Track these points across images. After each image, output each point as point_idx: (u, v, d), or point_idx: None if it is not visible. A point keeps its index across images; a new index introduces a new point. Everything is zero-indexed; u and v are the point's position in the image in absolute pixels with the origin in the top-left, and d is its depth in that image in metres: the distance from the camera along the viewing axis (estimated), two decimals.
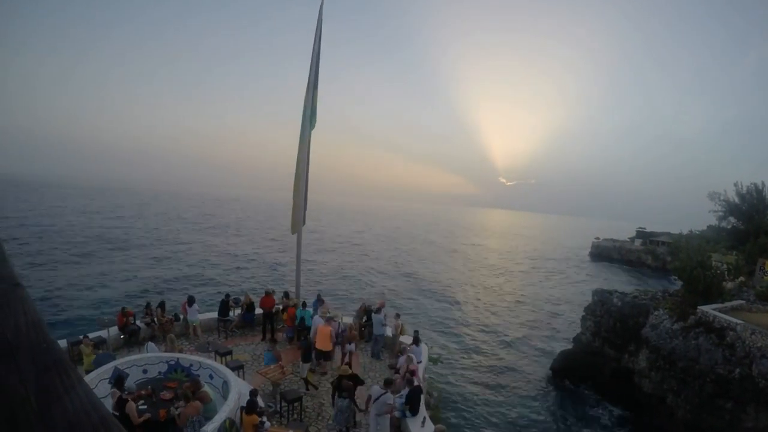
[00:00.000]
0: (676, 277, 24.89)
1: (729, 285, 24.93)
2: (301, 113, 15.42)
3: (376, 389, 9.58)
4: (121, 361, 10.53)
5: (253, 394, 9.24)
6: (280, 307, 16.19)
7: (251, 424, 8.48)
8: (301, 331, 15.05)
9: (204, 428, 7.93)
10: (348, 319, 16.64)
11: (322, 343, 12.82)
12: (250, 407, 8.68)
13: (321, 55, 15.15)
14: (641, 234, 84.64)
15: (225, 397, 9.52)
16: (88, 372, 10.35)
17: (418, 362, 12.57)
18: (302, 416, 10.62)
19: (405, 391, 10.41)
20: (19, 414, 0.49)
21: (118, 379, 9.21)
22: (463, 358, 25.29)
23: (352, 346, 13.36)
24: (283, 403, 10.62)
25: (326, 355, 13.11)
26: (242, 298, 16.68)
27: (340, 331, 13.84)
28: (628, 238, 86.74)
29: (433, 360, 17.34)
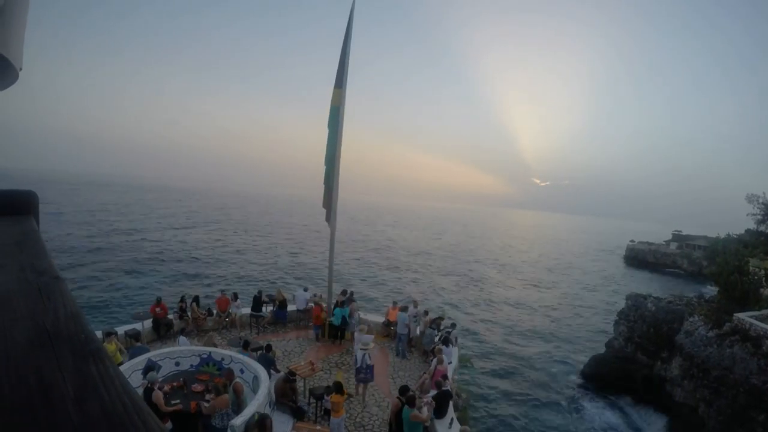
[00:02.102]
0: (713, 283, 23.94)
1: (767, 292, 23.79)
2: (328, 112, 15.45)
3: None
4: (154, 353, 10.79)
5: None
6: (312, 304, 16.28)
7: (340, 403, 9.34)
8: (337, 329, 15.11)
9: (232, 421, 8.07)
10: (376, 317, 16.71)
11: None
12: (338, 389, 9.58)
13: (351, 53, 15.17)
14: (677, 237, 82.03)
15: (255, 391, 9.67)
16: (120, 363, 10.70)
17: (448, 363, 12.48)
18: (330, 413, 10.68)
19: (432, 393, 10.33)
20: (56, 400, 0.51)
21: (149, 370, 9.52)
22: (493, 359, 25.00)
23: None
24: (312, 400, 10.72)
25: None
26: (275, 294, 16.89)
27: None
28: (664, 241, 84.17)
29: (463, 361, 17.22)
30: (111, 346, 11.64)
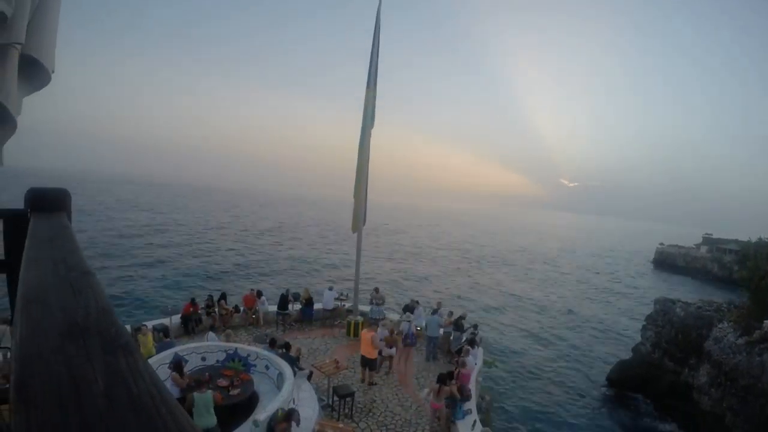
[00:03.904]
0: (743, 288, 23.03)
1: None
2: (361, 113, 15.54)
3: None
4: (181, 348, 11.03)
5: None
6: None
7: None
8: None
9: (256, 417, 8.19)
10: (393, 316, 16.77)
11: (365, 348, 12.27)
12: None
13: (380, 54, 15.25)
14: (708, 240, 79.66)
15: (279, 388, 9.80)
16: (149, 357, 10.98)
17: (474, 364, 12.43)
18: (353, 412, 10.74)
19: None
20: (86, 391, 0.51)
21: (176, 364, 9.77)
22: (517, 361, 24.69)
23: (393, 350, 13.18)
24: (335, 398, 10.79)
25: (370, 364, 12.37)
26: (301, 293, 17.08)
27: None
28: (694, 244, 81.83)
29: (488, 363, 17.10)
30: (148, 339, 12.00)
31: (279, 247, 55.98)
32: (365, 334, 12.47)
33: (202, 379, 9.96)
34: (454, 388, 10.28)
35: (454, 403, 10.20)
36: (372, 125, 15.38)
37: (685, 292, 48.01)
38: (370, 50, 15.11)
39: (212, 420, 8.16)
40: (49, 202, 1.85)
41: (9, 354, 10.43)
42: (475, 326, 15.44)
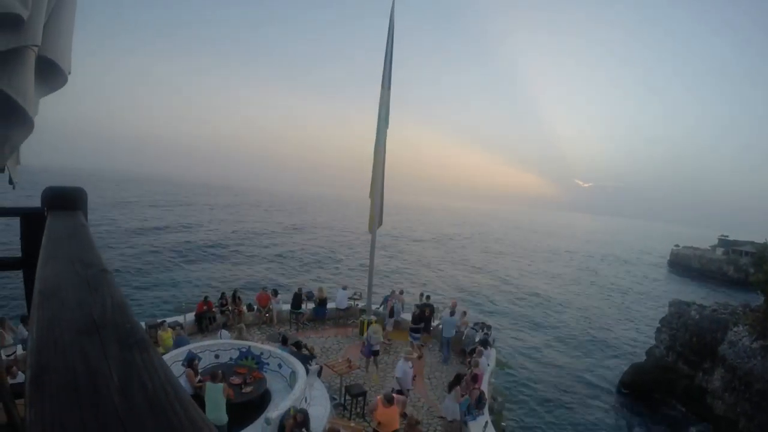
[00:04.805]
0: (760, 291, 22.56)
1: None
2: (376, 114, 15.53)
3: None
4: (195, 346, 11.15)
5: None
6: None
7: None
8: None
9: (269, 415, 8.25)
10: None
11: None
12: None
13: (394, 55, 15.26)
14: (723, 242, 78.25)
15: (291, 386, 9.86)
16: (163, 354, 11.11)
17: (486, 365, 12.39)
18: (365, 411, 10.76)
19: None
20: (101, 386, 0.52)
21: (190, 361, 9.89)
22: (530, 363, 24.56)
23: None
24: (347, 397, 10.82)
25: None
26: (315, 292, 17.15)
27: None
28: (710, 246, 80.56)
29: (501, 365, 17.02)
30: (167, 335, 12.18)
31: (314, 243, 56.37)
32: (386, 411, 8.71)
33: (215, 374, 10.09)
34: (475, 393, 10.27)
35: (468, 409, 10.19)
36: (387, 125, 15.40)
37: (700, 295, 47.38)
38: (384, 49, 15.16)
39: (223, 417, 8.21)
40: (65, 201, 1.88)
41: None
42: (488, 327, 15.39)
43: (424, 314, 15.60)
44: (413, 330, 14.37)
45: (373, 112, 15.47)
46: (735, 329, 18.86)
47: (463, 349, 14.54)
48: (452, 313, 15.15)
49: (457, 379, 10.44)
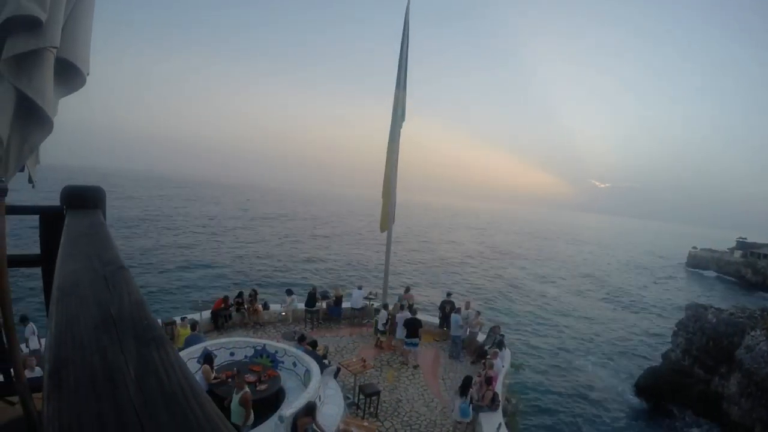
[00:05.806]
0: None
1: None
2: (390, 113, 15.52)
3: None
4: (211, 343, 11.24)
5: None
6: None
7: None
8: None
9: (282, 412, 8.29)
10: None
11: None
12: None
13: (409, 54, 15.26)
14: (742, 245, 76.89)
15: (306, 384, 9.90)
16: (179, 350, 11.24)
17: (501, 366, 12.30)
18: (378, 411, 10.76)
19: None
20: (118, 381, 0.52)
21: (207, 358, 9.99)
22: (545, 364, 24.31)
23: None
24: (361, 397, 10.83)
25: None
26: (331, 291, 17.23)
27: None
28: (728, 249, 79.22)
29: (515, 366, 16.89)
30: (185, 331, 12.33)
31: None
32: None
33: (232, 375, 10.16)
34: (489, 395, 10.18)
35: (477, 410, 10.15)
36: (401, 125, 15.40)
37: (718, 298, 46.54)
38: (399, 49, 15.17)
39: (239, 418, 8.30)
40: (84, 200, 1.91)
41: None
42: (498, 328, 15.27)
43: (444, 311, 15.97)
44: (408, 337, 13.74)
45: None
46: (752, 333, 18.49)
47: (477, 348, 14.45)
48: (458, 311, 15.02)
49: (467, 383, 10.29)
